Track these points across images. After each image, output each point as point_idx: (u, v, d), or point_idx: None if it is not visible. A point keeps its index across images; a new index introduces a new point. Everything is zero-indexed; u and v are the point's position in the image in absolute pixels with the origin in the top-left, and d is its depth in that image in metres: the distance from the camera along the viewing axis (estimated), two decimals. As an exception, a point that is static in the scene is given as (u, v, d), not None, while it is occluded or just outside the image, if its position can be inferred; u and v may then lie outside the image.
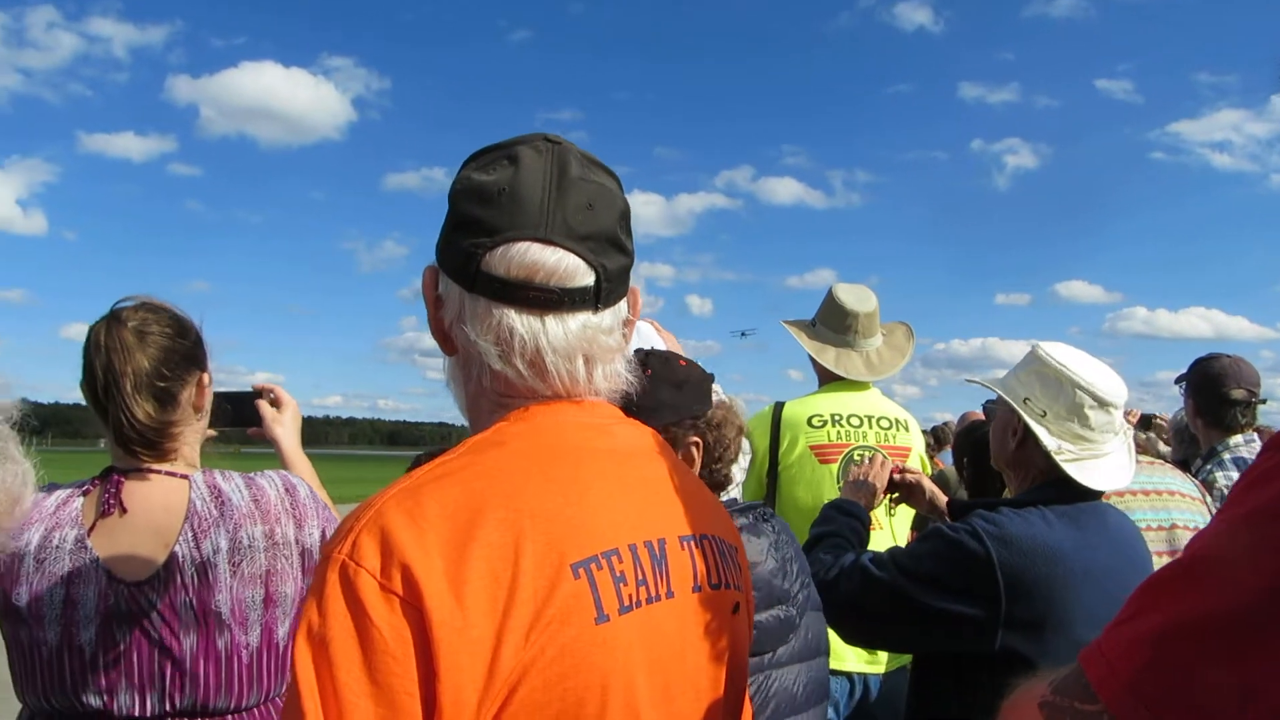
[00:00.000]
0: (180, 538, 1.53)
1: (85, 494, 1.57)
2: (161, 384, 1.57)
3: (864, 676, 2.66)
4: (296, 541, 1.60)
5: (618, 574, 0.83)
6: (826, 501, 2.14)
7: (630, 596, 0.83)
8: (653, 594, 0.86)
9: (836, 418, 2.77)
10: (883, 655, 2.68)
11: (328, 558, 0.77)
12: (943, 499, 2.30)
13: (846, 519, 2.03)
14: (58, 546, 1.50)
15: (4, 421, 0.53)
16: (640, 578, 0.85)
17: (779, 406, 2.87)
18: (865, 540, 2.03)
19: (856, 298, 2.92)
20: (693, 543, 0.93)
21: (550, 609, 0.77)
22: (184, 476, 1.59)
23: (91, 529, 1.52)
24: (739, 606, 0.99)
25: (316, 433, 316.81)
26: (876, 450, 2.67)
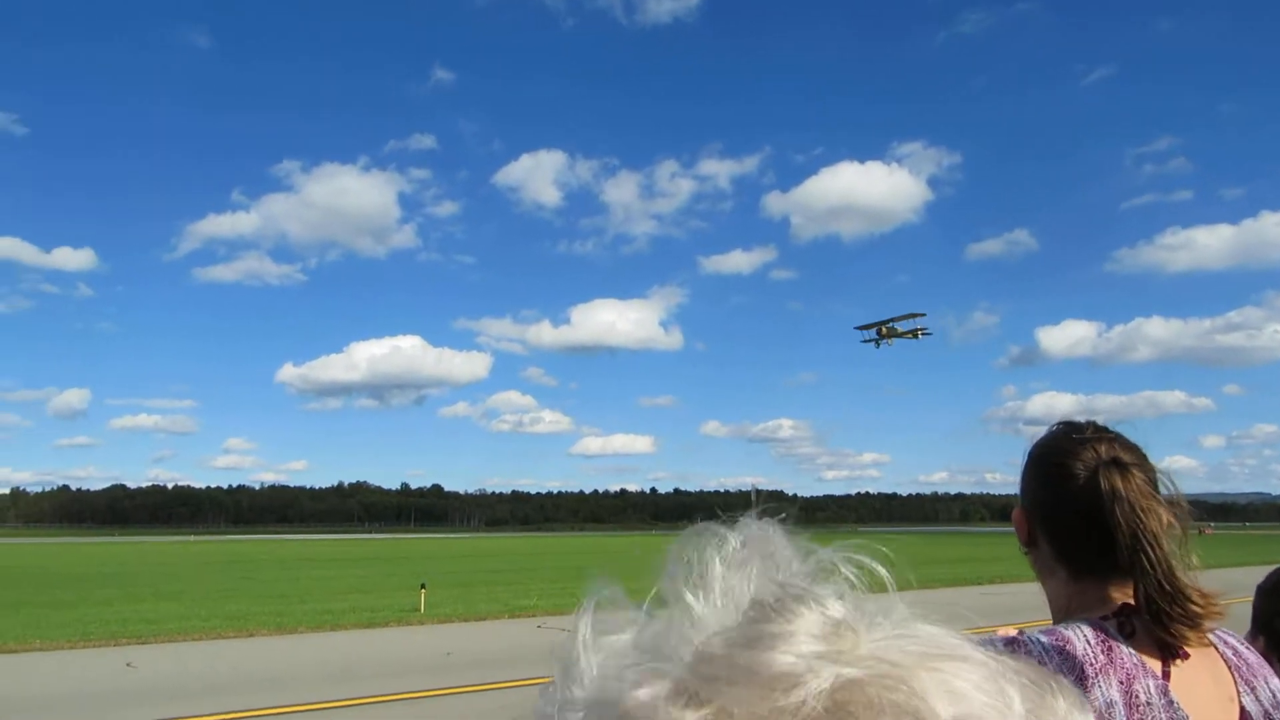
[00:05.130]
0: (1238, 688, 1.30)
1: (1105, 629, 1.31)
2: (1170, 542, 1.30)
3: None
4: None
5: None
6: None
7: None
8: None
9: None
10: None
11: None
12: None
13: None
14: (1147, 703, 1.25)
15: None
16: None
17: None
18: None
19: None
20: None
21: None
22: None
23: (1165, 676, 1.27)
24: None
25: (926, 510, 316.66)
26: None
